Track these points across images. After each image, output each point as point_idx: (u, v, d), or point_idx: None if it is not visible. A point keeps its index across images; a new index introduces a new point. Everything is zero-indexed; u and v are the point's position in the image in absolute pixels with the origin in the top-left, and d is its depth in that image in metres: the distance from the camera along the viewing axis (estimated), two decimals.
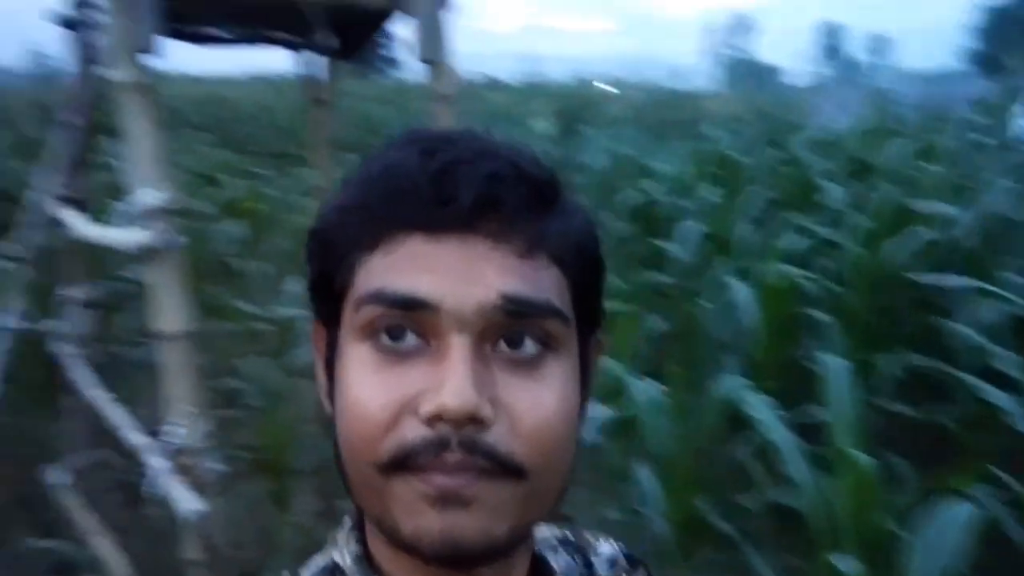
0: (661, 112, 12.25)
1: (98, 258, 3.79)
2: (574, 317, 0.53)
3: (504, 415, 0.48)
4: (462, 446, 0.47)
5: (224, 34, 2.80)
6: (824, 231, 4.06)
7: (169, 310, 1.82)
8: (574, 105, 12.28)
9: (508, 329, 0.49)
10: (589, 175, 6.47)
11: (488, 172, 0.49)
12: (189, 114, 12.84)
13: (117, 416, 2.33)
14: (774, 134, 8.12)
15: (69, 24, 2.48)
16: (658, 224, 4.83)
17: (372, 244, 0.50)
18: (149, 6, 1.87)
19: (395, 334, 0.49)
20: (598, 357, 0.59)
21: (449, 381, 0.47)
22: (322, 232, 0.53)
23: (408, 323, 0.49)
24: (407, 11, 2.19)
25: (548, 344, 0.50)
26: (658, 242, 4.50)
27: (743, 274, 3.52)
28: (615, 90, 15.12)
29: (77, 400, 2.66)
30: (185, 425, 1.78)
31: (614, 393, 2.43)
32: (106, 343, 3.10)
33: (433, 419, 0.47)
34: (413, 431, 0.47)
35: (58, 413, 2.83)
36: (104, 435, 2.46)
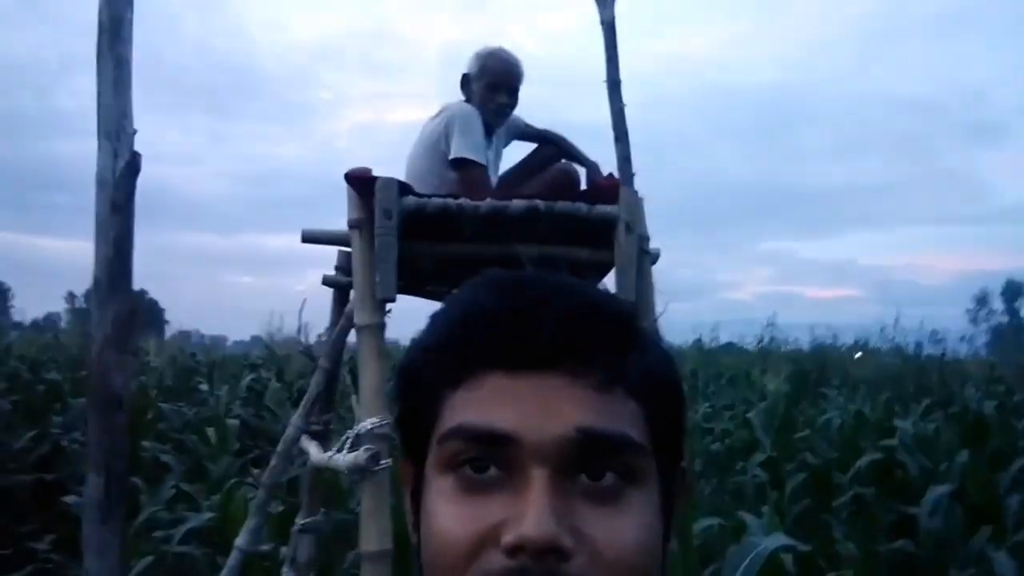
0: (913, 376, 11.41)
1: (337, 491, 4.10)
2: (654, 450, 0.53)
3: (585, 546, 0.49)
4: None
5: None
6: None
7: (371, 530, 1.94)
8: (811, 367, 11.84)
9: (586, 462, 0.50)
10: (826, 434, 6.08)
11: (565, 311, 0.52)
12: None
13: None
14: None
15: (331, 284, 2.95)
16: (903, 488, 4.36)
17: (455, 381, 0.53)
18: (391, 263, 2.20)
19: (477, 466, 0.51)
20: (684, 491, 0.59)
21: (530, 512, 0.48)
22: (408, 371, 0.58)
23: (489, 456, 0.51)
24: (611, 259, 2.37)
25: (627, 477, 0.51)
26: (904, 508, 4.04)
27: (1003, 545, 3.03)
28: (859, 353, 14.38)
29: None
30: None
31: None
32: (330, 571, 3.27)
33: (515, 550, 0.48)
34: (495, 562, 0.49)
35: None
36: None
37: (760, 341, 15.61)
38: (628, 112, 2.63)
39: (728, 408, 8.73)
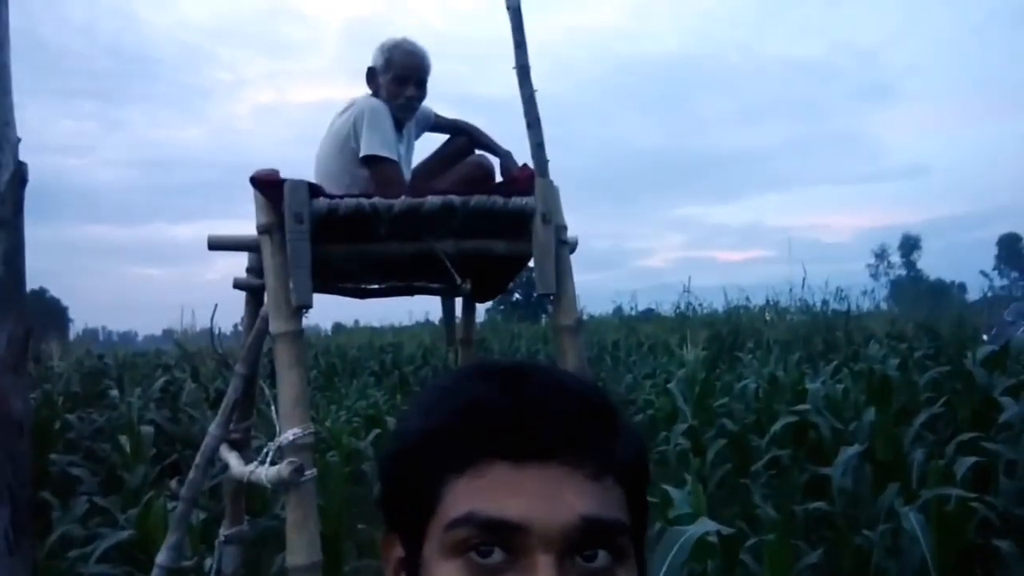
0: (822, 334, 11.91)
1: (261, 497, 4.02)
2: (632, 529, 0.58)
3: None
4: None
5: (375, 286, 3.11)
6: (1004, 451, 3.67)
7: (299, 543, 1.90)
8: (727, 331, 12.21)
9: (584, 545, 0.54)
10: (743, 399, 6.29)
11: (565, 406, 0.57)
12: (366, 361, 13.83)
13: None
14: (945, 351, 7.65)
15: (243, 287, 2.86)
16: (816, 449, 4.55)
17: (459, 469, 0.56)
18: (305, 268, 2.13)
19: (483, 552, 0.54)
20: (647, 553, 0.66)
21: None
22: (405, 455, 0.60)
23: (496, 542, 0.54)
24: (528, 250, 2.36)
25: (617, 556, 0.56)
26: (817, 468, 4.22)
27: (912, 501, 3.20)
28: (770, 315, 14.89)
29: None
30: None
31: None
32: None
33: None
34: None
35: None
36: None
37: (677, 308, 16.04)
38: (534, 82, 2.58)
39: (649, 377, 8.93)
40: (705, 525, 1.77)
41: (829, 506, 3.82)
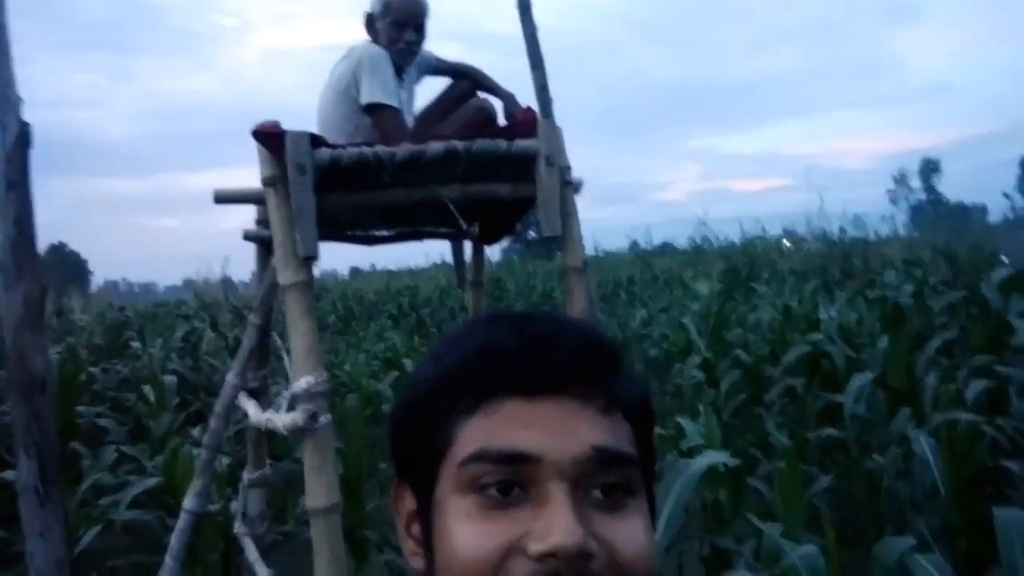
0: (838, 263, 11.84)
1: (282, 441, 4.12)
2: (641, 464, 0.60)
3: (602, 549, 0.54)
4: None
5: (383, 232, 3.13)
6: (1016, 373, 3.68)
7: (317, 486, 1.96)
8: (742, 263, 12.18)
9: (596, 476, 0.56)
10: (757, 331, 6.31)
11: (574, 344, 0.58)
12: (383, 304, 13.95)
13: None
14: (962, 276, 7.60)
15: (253, 239, 2.88)
16: (830, 377, 4.58)
17: (472, 408, 0.58)
18: (310, 219, 2.14)
19: (502, 488, 0.55)
20: (655, 491, 0.66)
21: (557, 522, 0.53)
22: (419, 402, 0.61)
23: (510, 475, 0.55)
24: (533, 192, 2.36)
25: (628, 489, 0.57)
26: (831, 396, 4.25)
27: (924, 425, 3.23)
28: (788, 244, 14.79)
29: None
30: None
31: (772, 559, 2.27)
32: (280, 523, 3.30)
33: (544, 557, 0.52)
34: (522, 569, 0.53)
35: None
36: None
37: (693, 241, 15.97)
38: (546, 20, 2.52)
39: (664, 311, 8.95)
40: (711, 456, 1.81)
41: (842, 433, 3.86)
